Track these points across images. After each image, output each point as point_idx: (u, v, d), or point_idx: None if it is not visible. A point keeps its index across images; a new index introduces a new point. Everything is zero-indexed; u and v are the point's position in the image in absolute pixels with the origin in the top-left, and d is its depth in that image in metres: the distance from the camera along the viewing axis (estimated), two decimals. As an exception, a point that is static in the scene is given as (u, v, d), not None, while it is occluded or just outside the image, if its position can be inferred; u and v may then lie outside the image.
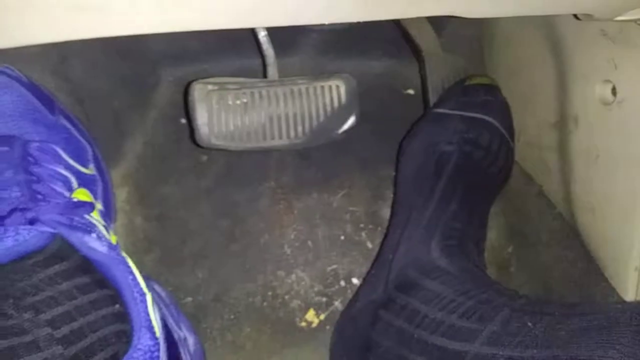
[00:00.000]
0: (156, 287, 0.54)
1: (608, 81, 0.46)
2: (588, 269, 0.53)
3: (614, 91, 0.46)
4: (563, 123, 0.54)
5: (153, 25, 0.32)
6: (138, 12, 0.30)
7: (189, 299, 0.62)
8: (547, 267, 0.59)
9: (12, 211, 0.43)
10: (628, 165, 0.45)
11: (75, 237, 0.44)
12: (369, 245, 0.66)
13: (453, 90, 0.62)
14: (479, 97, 0.60)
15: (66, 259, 0.43)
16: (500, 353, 0.35)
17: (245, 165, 0.68)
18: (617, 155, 0.47)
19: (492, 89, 0.61)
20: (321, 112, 0.54)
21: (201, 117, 0.53)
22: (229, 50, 0.68)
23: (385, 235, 0.59)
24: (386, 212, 0.67)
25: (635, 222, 0.45)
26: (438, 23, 0.65)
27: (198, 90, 0.53)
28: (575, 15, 0.41)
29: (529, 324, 0.35)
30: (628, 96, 0.44)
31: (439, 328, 0.41)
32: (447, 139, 0.57)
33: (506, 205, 0.65)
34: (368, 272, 0.59)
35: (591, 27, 0.45)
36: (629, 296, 0.47)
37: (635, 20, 0.38)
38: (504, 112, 0.61)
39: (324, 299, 0.63)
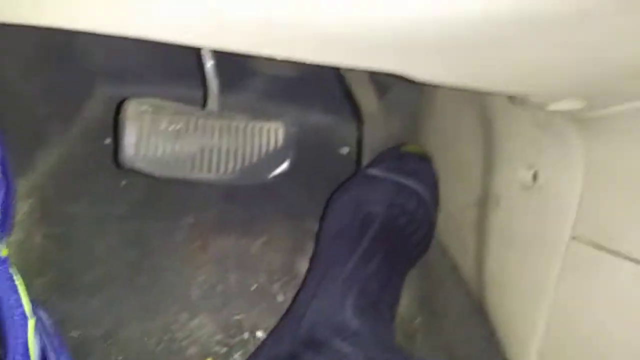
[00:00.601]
0: (41, 313, 0.49)
1: (531, 166, 0.49)
2: (490, 348, 0.54)
3: (535, 176, 0.49)
4: (485, 201, 0.56)
5: (103, 23, 0.30)
6: (89, 5, 0.28)
7: (77, 332, 0.56)
8: (451, 343, 0.59)
9: None
10: (540, 250, 0.47)
11: (-42, 242, 0.39)
12: (280, 298, 0.64)
13: (388, 154, 0.64)
14: (412, 165, 0.61)
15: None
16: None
17: (166, 196, 0.65)
18: (531, 239, 0.49)
19: (425, 159, 0.63)
20: (255, 152, 0.53)
21: (129, 137, 0.50)
22: (171, 77, 0.67)
23: (300, 289, 0.57)
24: (304, 266, 0.65)
25: (540, 307, 0.46)
26: (380, 86, 0.67)
27: (131, 108, 0.50)
28: (510, 99, 0.44)
29: None
30: (547, 183, 0.47)
31: None
32: (375, 201, 0.57)
33: (421, 277, 0.66)
34: (276, 325, 0.57)
35: (521, 113, 0.47)
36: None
37: (564, 112, 0.40)
38: (433, 184, 0.62)
39: (224, 349, 0.59)
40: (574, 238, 0.44)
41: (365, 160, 0.64)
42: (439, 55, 0.31)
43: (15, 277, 0.42)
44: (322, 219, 0.62)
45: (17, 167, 0.55)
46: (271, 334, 0.56)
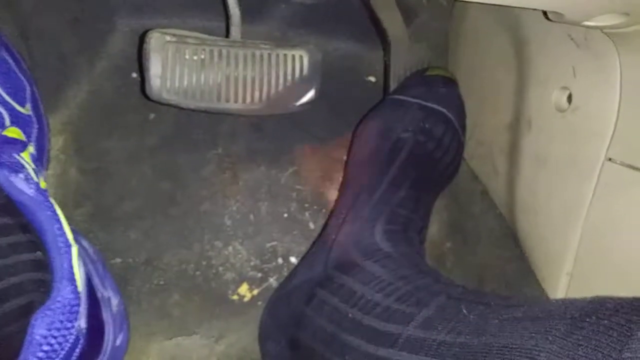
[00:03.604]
0: (83, 242, 0.51)
1: (565, 88, 0.47)
2: (521, 270, 0.55)
3: (569, 98, 0.47)
4: (516, 125, 0.55)
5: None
6: None
7: (118, 259, 0.59)
8: (482, 266, 0.60)
9: None
10: (574, 172, 0.46)
11: (1, 175, 0.40)
12: (311, 225, 0.65)
13: (413, 78, 0.62)
14: (438, 89, 0.60)
15: (-15, 196, 0.39)
16: (433, 337, 0.34)
17: (194, 129, 0.65)
18: (565, 161, 0.48)
19: (451, 83, 0.62)
20: (281, 80, 0.53)
21: (155, 68, 0.50)
22: (194, 8, 0.65)
23: (330, 215, 0.58)
24: (333, 195, 0.66)
25: (573, 228, 0.46)
26: (408, 12, 0.64)
27: (155, 40, 0.50)
28: (545, 15, 0.41)
29: (464, 311, 0.35)
30: (582, 104, 0.45)
31: (375, 309, 0.40)
32: (404, 126, 0.56)
33: (450, 201, 0.66)
34: (308, 251, 0.58)
35: (557, 31, 0.45)
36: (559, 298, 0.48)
37: (601, 28, 0.38)
38: (459, 107, 0.61)
39: (259, 275, 0.62)
40: (609, 159, 0.43)
41: (393, 86, 0.62)
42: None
43: (55, 207, 0.44)
44: (351, 146, 0.62)
45: (48, 104, 0.56)
46: (303, 259, 0.58)
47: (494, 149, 0.60)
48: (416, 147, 0.55)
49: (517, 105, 0.55)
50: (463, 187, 0.65)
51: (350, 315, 0.41)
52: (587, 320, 0.27)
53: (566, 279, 0.48)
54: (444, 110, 0.58)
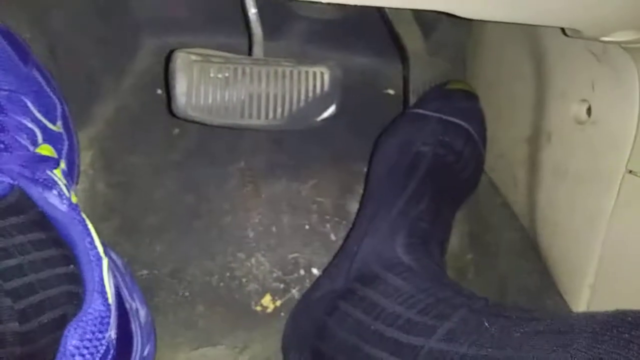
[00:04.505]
0: (112, 254, 0.52)
1: (584, 101, 0.48)
2: (543, 282, 0.55)
3: (589, 111, 0.47)
4: (536, 138, 0.55)
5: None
6: None
7: (145, 271, 0.61)
8: (504, 277, 0.60)
9: (-28, 157, 0.42)
10: (594, 184, 0.47)
11: (35, 191, 0.42)
12: (333, 237, 0.66)
13: (433, 92, 0.63)
14: (458, 103, 0.60)
15: (23, 212, 0.41)
16: (455, 350, 0.35)
17: (217, 143, 0.67)
18: (585, 174, 0.48)
19: (472, 97, 0.62)
20: (302, 97, 0.54)
21: (180, 87, 0.52)
22: (216, 26, 0.67)
23: (351, 228, 0.59)
24: (353, 207, 0.67)
25: (594, 241, 0.47)
26: (426, 26, 0.65)
27: (180, 59, 0.52)
28: (563, 31, 0.42)
29: (486, 324, 0.35)
30: (602, 117, 0.46)
31: (397, 322, 0.41)
32: (424, 140, 0.57)
33: (470, 213, 0.66)
34: (330, 263, 0.59)
35: (576, 45, 0.46)
36: (580, 310, 0.48)
37: (619, 43, 0.39)
38: (480, 121, 0.62)
39: (282, 286, 0.63)
40: (629, 172, 0.43)
41: (412, 100, 0.63)
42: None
43: (86, 221, 0.45)
44: (371, 159, 0.63)
45: (77, 121, 0.58)
46: (325, 272, 0.58)
47: (513, 162, 0.60)
48: (436, 160, 0.56)
49: (536, 118, 0.55)
50: (483, 198, 0.65)
51: (372, 327, 0.42)
52: (608, 334, 0.27)
53: (588, 290, 0.48)
54: (464, 123, 0.58)
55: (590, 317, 0.30)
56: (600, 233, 0.45)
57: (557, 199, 0.52)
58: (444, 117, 0.58)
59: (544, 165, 0.54)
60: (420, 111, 0.60)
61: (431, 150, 0.56)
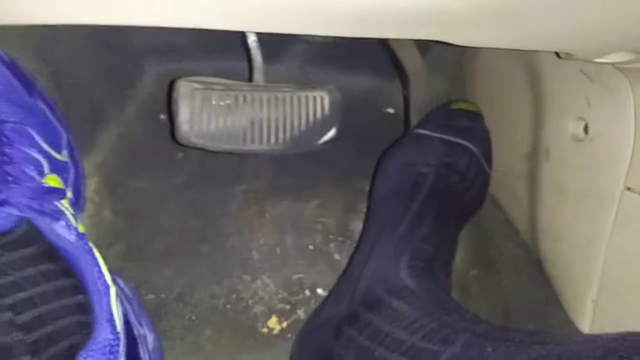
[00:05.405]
0: (120, 281, 0.53)
1: (581, 118, 0.48)
2: (547, 297, 0.55)
3: (586, 129, 0.48)
4: (535, 154, 0.56)
5: (150, 18, 0.32)
6: (136, 3, 0.30)
7: (152, 296, 0.61)
8: (508, 293, 0.60)
9: (-19, 191, 0.42)
10: (593, 201, 0.47)
11: (43, 223, 0.43)
12: (337, 257, 0.66)
13: (436, 112, 0.63)
14: (461, 123, 0.61)
15: (32, 244, 0.42)
16: (459, 375, 0.35)
17: (220, 166, 0.68)
18: (584, 191, 0.49)
19: (476, 116, 0.63)
20: (303, 121, 0.55)
21: (183, 115, 0.52)
22: (216, 51, 0.68)
23: (355, 250, 0.60)
24: (357, 226, 0.68)
25: (595, 257, 0.47)
26: (423, 45, 0.66)
27: (183, 87, 0.53)
28: (556, 53, 0.43)
29: (489, 349, 0.36)
30: (598, 135, 0.46)
31: (401, 347, 0.41)
32: (426, 161, 0.57)
33: (474, 229, 0.67)
34: (334, 286, 0.60)
35: (570, 65, 0.47)
36: (584, 326, 0.48)
37: (612, 64, 0.40)
38: (484, 140, 0.62)
39: (288, 307, 0.63)
40: (628, 189, 0.44)
41: (413, 120, 0.64)
42: (482, 23, 0.31)
43: (93, 250, 0.46)
44: (374, 180, 0.63)
45: (81, 149, 0.59)
46: (329, 295, 0.59)
47: (514, 178, 0.61)
48: (438, 181, 0.56)
49: (534, 135, 0.56)
50: (486, 214, 0.65)
51: (376, 353, 0.42)
52: (609, 358, 0.28)
53: (591, 306, 0.48)
54: (467, 143, 0.59)
55: (593, 342, 0.31)
56: (601, 250, 0.46)
57: (558, 216, 0.53)
58: (447, 137, 0.59)
59: (543, 182, 0.55)
60: (423, 132, 0.61)
61: (434, 171, 0.56)
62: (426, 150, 0.58)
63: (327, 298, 0.59)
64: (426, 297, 0.46)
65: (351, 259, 0.58)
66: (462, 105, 0.64)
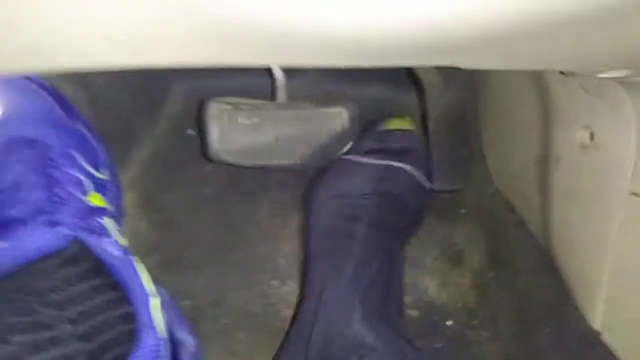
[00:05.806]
0: (162, 291, 0.57)
1: (587, 127, 0.51)
2: (561, 296, 0.57)
3: (592, 136, 0.51)
4: (545, 161, 0.58)
5: (178, 60, 0.35)
6: (166, 46, 0.33)
7: (188, 302, 0.65)
8: (524, 293, 0.63)
9: (35, 214, 0.47)
10: (601, 206, 0.50)
11: (92, 240, 0.47)
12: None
13: (366, 136, 0.60)
14: (394, 144, 0.58)
15: (82, 261, 0.46)
16: None
17: (246, 179, 0.72)
18: (592, 196, 0.51)
19: (406, 134, 0.60)
20: (323, 136, 0.58)
21: (213, 134, 0.56)
22: (239, 69, 0.72)
23: (301, 297, 0.57)
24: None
25: (604, 260, 0.49)
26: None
27: (213, 108, 0.57)
28: (561, 71, 0.46)
29: None
30: (604, 143, 0.49)
31: None
32: (360, 192, 0.54)
33: (489, 233, 0.69)
34: (285, 336, 0.58)
35: (574, 80, 0.49)
36: (596, 323, 0.51)
37: (611, 79, 0.42)
38: (420, 157, 0.58)
39: (314, 310, 0.67)
40: (633, 194, 0.46)
41: (431, 128, 0.65)
42: (485, 51, 0.34)
43: (136, 263, 0.50)
44: (306, 215, 0.60)
45: (117, 166, 0.63)
46: (281, 351, 0.56)
47: (526, 182, 0.63)
48: (376, 212, 0.53)
49: (545, 142, 0.58)
50: (500, 217, 0.68)
51: None
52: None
53: (602, 305, 0.51)
54: (402, 164, 0.56)
55: None
56: (609, 253, 0.48)
57: (570, 219, 0.55)
58: (380, 162, 0.56)
59: (554, 187, 0.57)
60: (353, 158, 0.57)
61: (369, 202, 0.53)
62: (360, 179, 0.55)
63: (280, 348, 0.57)
64: (386, 352, 0.45)
65: (299, 306, 0.55)
66: (393, 124, 0.61)
